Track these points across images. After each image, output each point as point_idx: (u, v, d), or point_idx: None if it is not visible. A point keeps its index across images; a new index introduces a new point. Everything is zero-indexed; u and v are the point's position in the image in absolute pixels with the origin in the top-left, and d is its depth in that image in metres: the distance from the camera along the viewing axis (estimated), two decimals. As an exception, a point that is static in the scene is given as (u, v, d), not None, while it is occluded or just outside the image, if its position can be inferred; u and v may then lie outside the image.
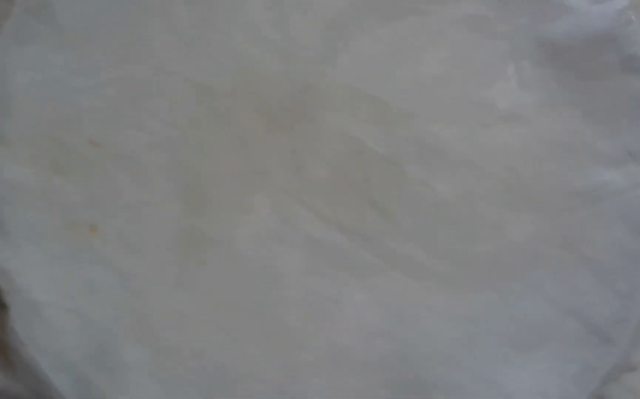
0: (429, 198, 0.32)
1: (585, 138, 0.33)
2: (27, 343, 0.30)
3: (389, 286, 0.32)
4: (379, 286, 0.32)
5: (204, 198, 0.32)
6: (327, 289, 0.32)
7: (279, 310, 0.32)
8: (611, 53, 0.33)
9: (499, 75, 0.33)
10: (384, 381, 0.32)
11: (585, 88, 0.33)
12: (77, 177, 0.31)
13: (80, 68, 0.32)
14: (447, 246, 0.32)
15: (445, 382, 0.32)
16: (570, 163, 0.33)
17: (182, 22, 0.32)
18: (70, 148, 0.31)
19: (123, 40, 0.32)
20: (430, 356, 0.32)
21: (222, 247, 0.32)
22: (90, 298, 0.31)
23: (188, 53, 0.32)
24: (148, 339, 0.31)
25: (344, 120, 0.33)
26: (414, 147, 0.33)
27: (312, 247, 0.32)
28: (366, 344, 0.32)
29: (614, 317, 0.32)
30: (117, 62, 0.32)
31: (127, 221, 0.32)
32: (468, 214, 0.32)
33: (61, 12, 0.31)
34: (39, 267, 0.31)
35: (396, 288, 0.32)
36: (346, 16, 0.33)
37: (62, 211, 0.31)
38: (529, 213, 0.32)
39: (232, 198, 0.32)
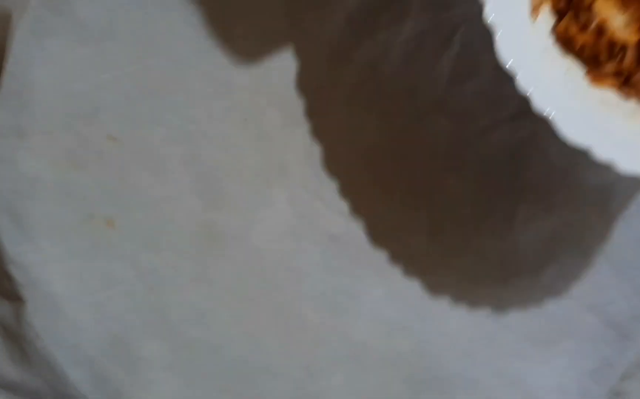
0: (443, 193, 0.32)
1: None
2: (44, 336, 0.30)
3: (407, 282, 0.32)
4: (397, 282, 0.32)
5: (221, 193, 0.32)
6: (344, 284, 0.32)
7: (297, 305, 0.32)
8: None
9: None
10: (402, 376, 0.32)
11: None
12: (95, 171, 0.31)
13: (99, 63, 0.31)
14: (465, 242, 0.32)
15: (463, 378, 0.32)
16: (583, 158, 0.33)
17: (200, 17, 0.32)
18: (88, 143, 0.31)
19: (141, 35, 0.32)
20: (448, 352, 0.32)
21: (240, 242, 0.32)
22: (108, 292, 0.31)
23: (206, 47, 0.32)
24: (166, 334, 0.31)
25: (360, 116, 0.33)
26: (429, 142, 0.32)
27: (329, 242, 0.32)
28: (384, 340, 0.32)
29: (632, 313, 0.32)
30: (135, 57, 0.32)
31: (145, 216, 0.31)
32: (482, 210, 0.32)
33: (79, 5, 0.31)
34: (56, 261, 0.31)
35: (414, 284, 0.32)
36: (363, 12, 0.33)
37: (79, 206, 0.31)
38: (544, 210, 0.32)
39: (250, 192, 0.32)
